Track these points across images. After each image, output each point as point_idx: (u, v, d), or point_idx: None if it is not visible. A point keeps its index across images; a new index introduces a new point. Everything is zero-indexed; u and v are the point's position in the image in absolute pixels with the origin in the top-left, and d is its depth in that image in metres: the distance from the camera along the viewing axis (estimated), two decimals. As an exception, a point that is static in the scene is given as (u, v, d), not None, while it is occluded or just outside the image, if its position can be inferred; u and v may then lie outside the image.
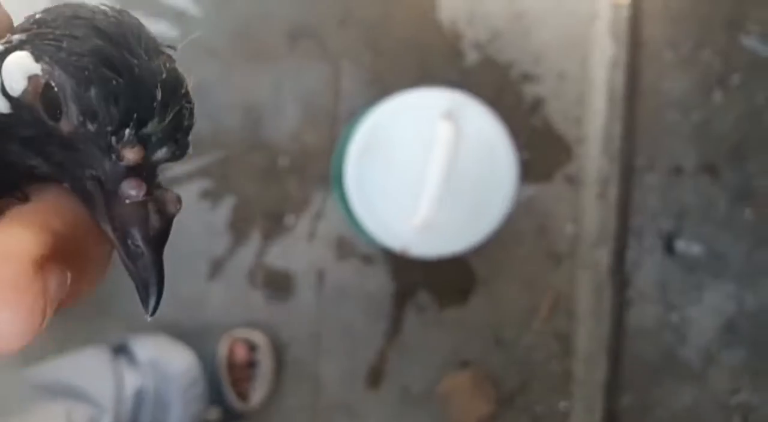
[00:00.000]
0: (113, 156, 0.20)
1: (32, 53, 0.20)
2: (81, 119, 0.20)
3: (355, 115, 0.92)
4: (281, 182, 0.95)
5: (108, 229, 0.21)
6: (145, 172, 0.21)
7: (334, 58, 0.95)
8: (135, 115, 0.20)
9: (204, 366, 0.91)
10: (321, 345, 0.98)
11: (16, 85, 0.20)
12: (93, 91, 0.20)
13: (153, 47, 0.21)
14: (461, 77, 0.96)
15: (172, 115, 0.21)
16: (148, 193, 0.21)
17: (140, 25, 0.21)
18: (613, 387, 1.02)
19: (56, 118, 0.20)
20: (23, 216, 0.21)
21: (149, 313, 0.21)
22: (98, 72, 0.20)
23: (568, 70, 0.99)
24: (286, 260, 0.95)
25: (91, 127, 0.20)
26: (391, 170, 0.84)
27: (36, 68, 0.20)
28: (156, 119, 0.21)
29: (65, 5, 0.22)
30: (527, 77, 0.98)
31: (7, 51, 0.20)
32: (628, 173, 1.00)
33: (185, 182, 0.94)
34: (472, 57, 0.97)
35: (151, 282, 0.21)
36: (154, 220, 0.21)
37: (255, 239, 0.95)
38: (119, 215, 0.21)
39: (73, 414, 0.76)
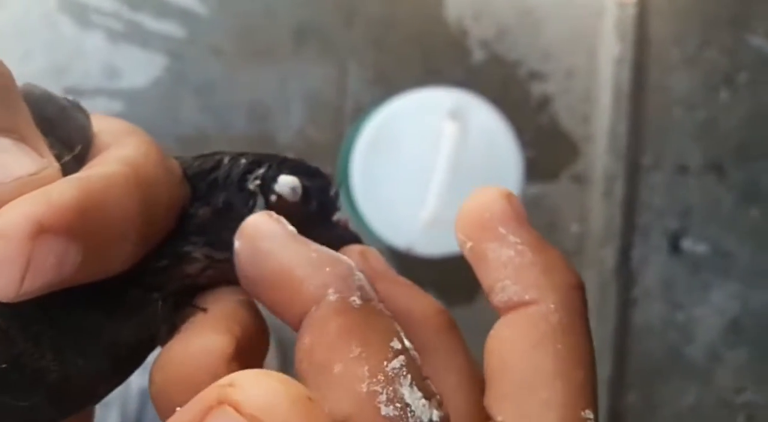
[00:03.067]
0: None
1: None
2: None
3: (360, 113, 0.92)
4: (287, 181, 0.95)
5: None
6: None
7: (340, 56, 0.95)
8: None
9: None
10: (326, 343, 0.98)
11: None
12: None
13: None
14: (467, 75, 0.96)
15: None
16: None
17: None
18: (617, 385, 1.02)
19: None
20: (211, 323, 0.25)
21: None
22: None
23: (575, 67, 0.99)
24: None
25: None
26: (396, 169, 0.84)
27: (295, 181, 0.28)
28: None
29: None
30: (534, 75, 0.98)
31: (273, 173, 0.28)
32: (633, 171, 1.00)
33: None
34: (478, 55, 0.97)
35: None
36: None
37: (261, 238, 0.95)
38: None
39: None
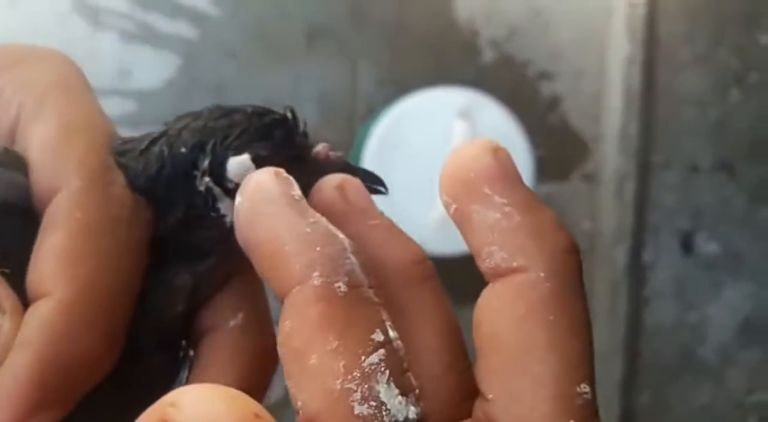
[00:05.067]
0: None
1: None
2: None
3: (372, 113, 0.93)
4: (299, 181, 0.95)
5: None
6: None
7: (351, 57, 0.96)
8: None
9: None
10: (338, 342, 0.98)
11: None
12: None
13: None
14: (478, 75, 0.96)
15: None
16: None
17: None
18: (629, 385, 1.02)
19: None
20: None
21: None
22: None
23: (585, 67, 0.99)
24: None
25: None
26: (407, 169, 0.85)
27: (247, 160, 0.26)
28: None
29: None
30: (544, 75, 0.98)
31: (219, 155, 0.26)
32: (644, 170, 1.00)
33: (203, 180, 0.94)
34: (488, 55, 0.97)
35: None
36: None
37: (272, 237, 0.96)
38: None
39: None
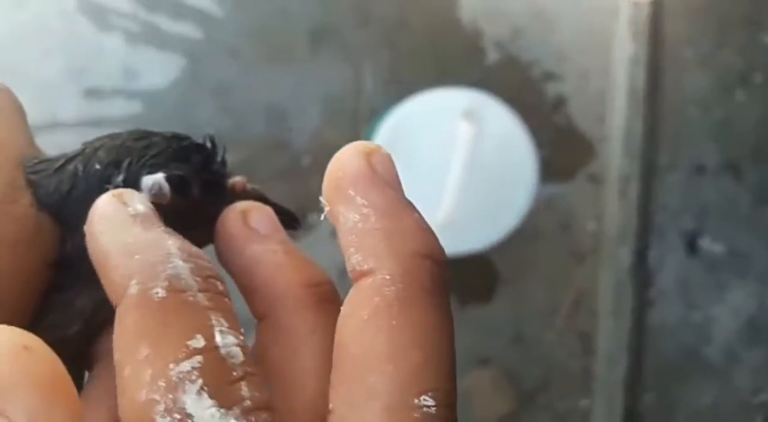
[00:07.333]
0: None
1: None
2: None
3: (376, 114, 0.93)
4: (304, 181, 0.95)
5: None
6: None
7: (355, 57, 0.96)
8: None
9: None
10: (342, 342, 0.98)
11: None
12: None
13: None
14: (482, 76, 0.96)
15: None
16: None
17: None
18: (634, 385, 1.01)
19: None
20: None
21: None
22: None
23: (590, 68, 0.99)
24: (308, 259, 0.96)
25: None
26: (412, 170, 0.85)
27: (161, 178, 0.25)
28: None
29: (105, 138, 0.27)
30: (549, 76, 0.98)
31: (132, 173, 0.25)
32: (649, 171, 1.00)
33: (208, 181, 0.94)
34: (493, 56, 0.97)
35: None
36: None
37: (277, 238, 0.96)
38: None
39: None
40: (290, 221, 0.27)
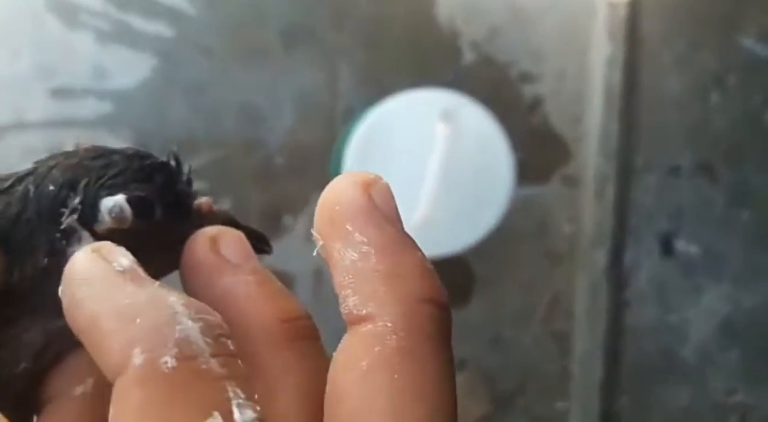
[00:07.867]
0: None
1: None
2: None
3: (352, 114, 0.92)
4: (279, 182, 0.94)
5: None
6: None
7: (331, 56, 0.95)
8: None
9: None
10: (317, 345, 0.97)
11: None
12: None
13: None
14: (459, 76, 0.96)
15: None
16: None
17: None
18: (610, 387, 1.02)
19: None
20: None
21: None
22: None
23: (567, 68, 0.98)
24: (284, 261, 0.95)
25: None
26: (388, 171, 0.84)
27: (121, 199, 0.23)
28: None
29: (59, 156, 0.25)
30: (525, 76, 0.98)
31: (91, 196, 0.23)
32: (625, 172, 1.00)
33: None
34: (469, 56, 0.97)
35: None
36: None
37: (251, 240, 0.95)
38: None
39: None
40: (262, 245, 0.26)
